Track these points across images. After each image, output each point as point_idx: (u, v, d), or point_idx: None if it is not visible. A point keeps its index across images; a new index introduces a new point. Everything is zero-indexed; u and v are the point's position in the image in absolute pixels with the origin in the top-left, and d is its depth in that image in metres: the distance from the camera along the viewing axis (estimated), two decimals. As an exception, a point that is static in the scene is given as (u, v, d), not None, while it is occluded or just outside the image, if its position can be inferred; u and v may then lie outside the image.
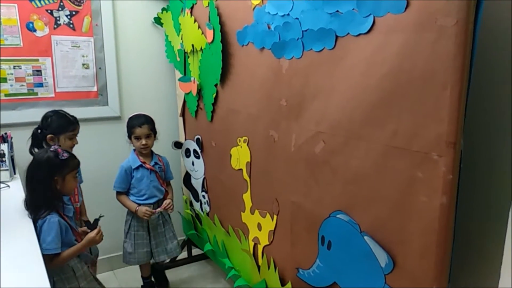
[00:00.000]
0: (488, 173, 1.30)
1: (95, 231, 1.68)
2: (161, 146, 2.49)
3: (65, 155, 1.62)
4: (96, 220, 1.77)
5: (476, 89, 1.06)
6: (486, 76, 1.24)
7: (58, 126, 1.95)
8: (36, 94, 2.41)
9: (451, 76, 0.99)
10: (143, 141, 2.22)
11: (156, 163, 2.32)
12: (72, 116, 2.03)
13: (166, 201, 2.31)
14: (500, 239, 1.08)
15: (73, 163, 1.66)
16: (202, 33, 2.14)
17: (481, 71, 1.15)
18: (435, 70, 1.02)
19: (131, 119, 2.28)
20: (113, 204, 2.34)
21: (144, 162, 2.27)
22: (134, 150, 2.30)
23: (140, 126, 2.22)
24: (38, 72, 2.39)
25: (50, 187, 1.57)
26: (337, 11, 1.28)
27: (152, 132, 2.27)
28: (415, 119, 1.09)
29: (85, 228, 1.77)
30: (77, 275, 1.63)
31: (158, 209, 2.28)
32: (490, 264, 1.25)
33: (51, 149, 1.62)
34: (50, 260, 1.52)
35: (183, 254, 2.79)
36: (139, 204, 2.25)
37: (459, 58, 0.97)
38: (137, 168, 2.26)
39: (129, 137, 2.27)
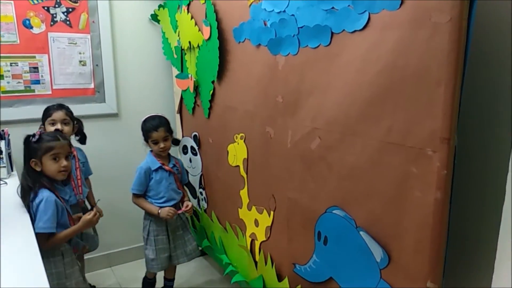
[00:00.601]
0: (482, 168, 1.31)
1: (92, 212, 1.71)
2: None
3: (36, 137, 1.63)
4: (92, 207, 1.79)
5: (470, 85, 1.07)
6: (480, 73, 1.25)
7: (42, 115, 2.08)
8: (33, 91, 2.41)
9: (445, 73, 0.99)
10: (161, 145, 2.14)
11: (174, 165, 2.25)
12: (56, 104, 2.10)
13: (188, 203, 2.25)
14: (494, 235, 1.09)
15: (45, 145, 1.63)
16: (199, 30, 2.15)
17: (475, 67, 1.15)
18: (429, 67, 1.03)
19: (145, 122, 2.18)
20: (111, 201, 2.35)
21: (163, 164, 2.20)
22: (151, 151, 2.21)
23: (156, 130, 2.13)
24: (35, 69, 2.39)
25: (31, 170, 1.63)
26: (333, 7, 1.28)
27: (169, 133, 2.18)
28: (409, 115, 1.10)
29: (80, 214, 1.78)
30: (65, 260, 1.64)
31: (182, 210, 2.22)
32: (484, 260, 1.26)
33: (32, 133, 1.66)
34: (45, 239, 1.54)
35: (181, 251, 2.80)
36: (160, 207, 2.17)
37: (453, 54, 0.98)
38: (157, 169, 2.18)
39: (146, 140, 2.18)
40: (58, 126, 2.03)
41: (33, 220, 1.52)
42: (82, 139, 2.24)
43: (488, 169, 1.29)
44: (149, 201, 2.20)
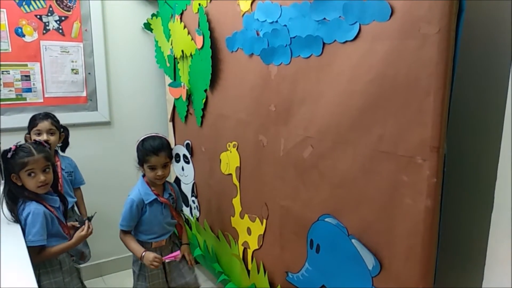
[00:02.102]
0: (471, 176, 1.33)
1: (85, 229, 1.68)
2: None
3: (11, 153, 1.58)
4: (89, 219, 1.77)
5: (458, 95, 1.09)
6: (468, 82, 1.28)
7: (28, 124, 2.08)
8: (25, 99, 2.40)
9: (434, 82, 1.01)
10: (159, 172, 1.83)
11: (170, 195, 1.98)
12: (43, 113, 2.10)
13: (177, 253, 1.91)
14: (484, 242, 1.11)
15: (20, 162, 1.57)
16: (192, 39, 2.16)
17: (463, 77, 1.18)
18: (418, 77, 1.05)
19: (143, 142, 1.87)
20: (102, 209, 2.33)
21: (157, 195, 1.90)
22: (143, 176, 1.92)
23: (157, 154, 1.81)
24: (26, 77, 2.39)
25: (12, 183, 1.60)
26: (324, 18, 1.30)
27: (169, 159, 1.88)
28: (400, 124, 1.12)
29: (75, 223, 1.77)
30: (63, 269, 1.63)
31: (168, 257, 1.90)
32: (475, 266, 1.28)
33: (9, 148, 1.62)
34: (37, 252, 1.53)
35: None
36: (145, 248, 1.88)
37: (442, 64, 1.00)
38: (151, 202, 1.89)
39: (141, 164, 1.88)
40: (44, 136, 2.02)
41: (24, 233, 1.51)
42: (63, 147, 2.21)
43: (477, 176, 1.31)
44: (141, 237, 1.92)
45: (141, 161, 1.87)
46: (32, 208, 1.56)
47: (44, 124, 2.04)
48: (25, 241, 1.45)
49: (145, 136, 1.91)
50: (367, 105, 1.21)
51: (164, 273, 1.96)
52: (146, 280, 1.92)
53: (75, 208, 2.25)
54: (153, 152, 1.81)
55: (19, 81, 2.37)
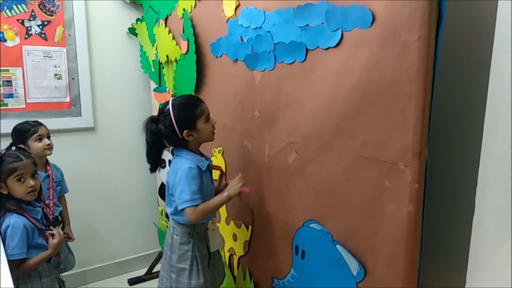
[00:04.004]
0: (452, 181, 1.35)
1: (56, 236, 1.64)
2: (137, 157, 2.47)
3: None
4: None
5: (439, 101, 1.10)
6: (449, 89, 1.29)
7: (21, 134, 1.98)
8: (6, 105, 2.36)
9: (415, 89, 1.02)
10: (212, 128, 1.62)
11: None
12: (32, 120, 2.04)
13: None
14: (466, 246, 1.12)
15: (7, 168, 1.54)
16: (177, 44, 2.15)
17: (443, 84, 1.19)
18: (400, 83, 1.06)
19: (183, 102, 1.58)
20: (87, 216, 2.30)
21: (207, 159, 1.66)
22: (183, 148, 1.61)
23: (203, 103, 1.60)
24: (8, 83, 2.35)
25: None
26: (307, 25, 1.31)
27: None
28: (382, 130, 1.12)
29: (52, 231, 1.74)
30: (42, 280, 1.60)
31: (244, 190, 1.63)
32: (457, 269, 1.29)
33: None
34: (16, 266, 1.50)
35: (160, 266, 2.76)
36: (200, 225, 1.65)
37: (422, 71, 1.01)
38: (205, 170, 1.61)
39: (190, 124, 1.55)
40: (46, 141, 1.99)
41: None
42: None
43: (458, 181, 1.33)
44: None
45: (192, 120, 1.55)
46: (11, 221, 1.52)
47: (43, 129, 2.01)
48: (6, 254, 1.42)
49: (178, 98, 1.63)
50: (349, 111, 1.21)
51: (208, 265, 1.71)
52: (201, 275, 1.65)
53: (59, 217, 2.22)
54: (201, 101, 1.61)
55: (0, 86, 2.33)
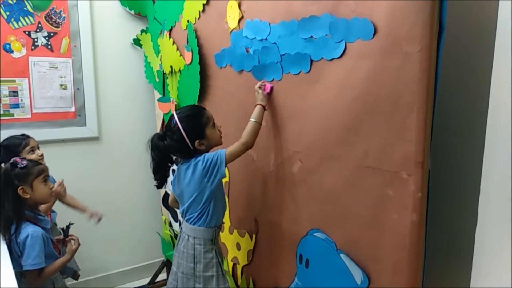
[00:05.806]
0: (455, 190, 1.36)
1: (76, 242, 1.69)
2: (141, 166, 2.48)
3: (24, 162, 1.58)
4: (67, 227, 1.77)
5: (441, 111, 1.12)
6: (451, 99, 1.31)
7: (13, 149, 1.94)
8: (12, 115, 2.39)
9: (417, 100, 1.04)
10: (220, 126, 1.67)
11: None
12: (21, 134, 2.04)
13: None
14: (469, 255, 1.13)
15: (36, 169, 1.60)
16: (181, 54, 2.18)
17: (445, 93, 1.21)
18: (402, 94, 1.07)
19: (191, 112, 1.60)
20: (91, 226, 2.31)
21: None
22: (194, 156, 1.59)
23: (207, 110, 1.66)
24: (14, 93, 2.38)
25: (17, 199, 1.55)
26: (311, 36, 1.33)
27: None
28: (385, 139, 1.14)
29: (60, 236, 1.76)
30: (56, 287, 1.62)
31: (267, 88, 1.61)
32: (461, 277, 1.29)
33: (10, 161, 1.60)
34: (37, 275, 1.51)
35: (163, 275, 2.76)
36: (216, 230, 1.67)
37: (424, 82, 1.02)
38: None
39: (201, 132, 1.57)
40: (39, 151, 2.01)
41: (13, 255, 1.48)
42: None
43: (461, 190, 1.34)
44: (216, 221, 1.65)
45: (200, 129, 1.57)
46: (30, 231, 1.53)
47: (33, 141, 2.02)
48: (22, 265, 1.42)
49: (185, 107, 1.68)
50: (352, 121, 1.23)
51: None
52: (224, 279, 1.66)
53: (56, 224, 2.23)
54: (204, 108, 1.66)
55: (6, 97, 2.36)
